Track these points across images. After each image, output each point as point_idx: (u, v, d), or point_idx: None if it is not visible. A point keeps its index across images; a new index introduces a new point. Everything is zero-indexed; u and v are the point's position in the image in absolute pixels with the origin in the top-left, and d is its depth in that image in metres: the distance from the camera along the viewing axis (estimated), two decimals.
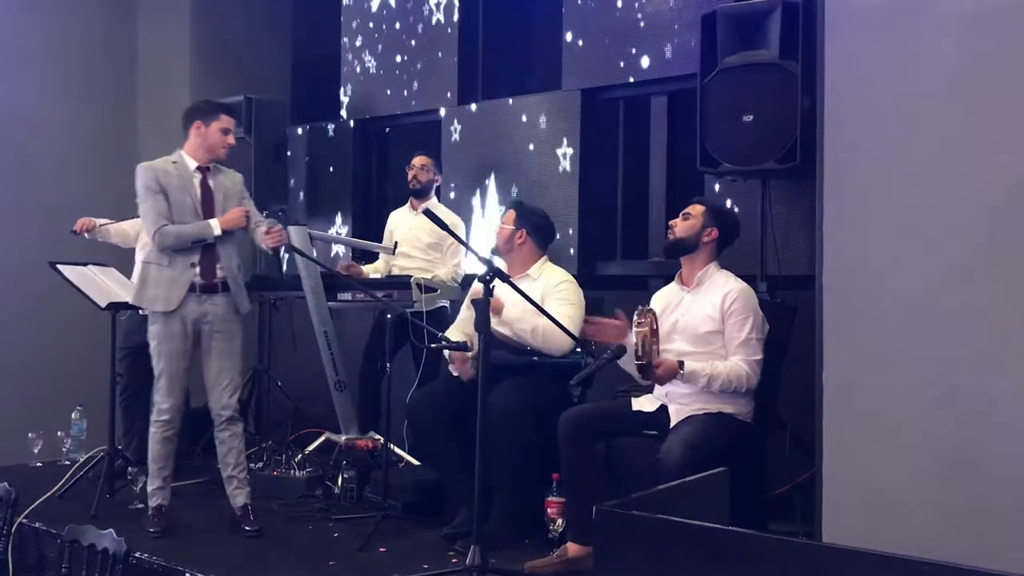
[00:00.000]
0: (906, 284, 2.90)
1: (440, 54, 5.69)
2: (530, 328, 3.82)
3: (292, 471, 4.74)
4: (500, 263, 4.09)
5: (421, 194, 5.15)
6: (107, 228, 4.83)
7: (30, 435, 5.35)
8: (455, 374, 4.04)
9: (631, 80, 4.87)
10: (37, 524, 4.14)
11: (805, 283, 3.54)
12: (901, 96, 2.93)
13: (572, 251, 4.91)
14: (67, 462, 5.21)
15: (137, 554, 3.60)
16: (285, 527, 4.19)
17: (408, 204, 5.24)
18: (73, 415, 5.42)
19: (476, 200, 5.45)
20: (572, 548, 3.51)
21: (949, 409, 2.80)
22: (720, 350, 3.51)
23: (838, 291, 3.04)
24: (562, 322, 3.58)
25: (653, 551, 1.97)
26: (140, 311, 4.20)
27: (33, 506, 4.24)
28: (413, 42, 5.85)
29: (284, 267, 6.09)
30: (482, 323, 3.29)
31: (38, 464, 5.33)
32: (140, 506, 4.27)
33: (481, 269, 3.44)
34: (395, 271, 5.06)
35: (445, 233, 3.85)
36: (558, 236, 4.41)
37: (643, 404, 3.65)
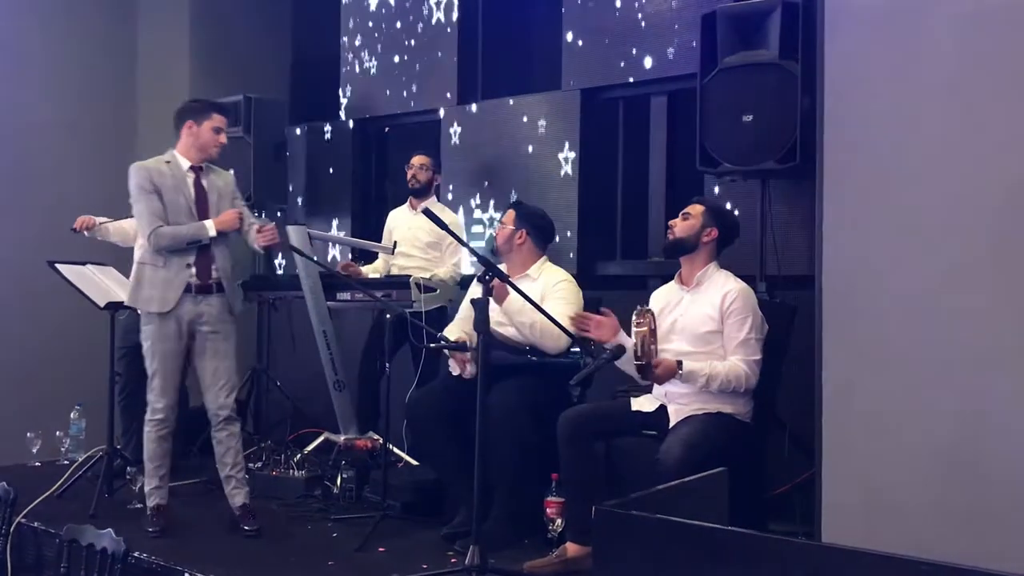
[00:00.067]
0: (906, 284, 2.89)
1: (440, 54, 5.69)
2: (529, 322, 3.81)
3: (291, 471, 4.74)
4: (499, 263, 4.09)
5: (420, 194, 5.14)
6: (106, 227, 4.82)
7: (29, 435, 5.35)
8: (455, 373, 4.04)
9: (631, 80, 4.87)
10: (36, 524, 4.14)
11: (805, 283, 3.54)
12: (901, 96, 2.93)
13: (572, 255, 4.90)
14: (66, 462, 5.20)
15: (136, 554, 3.59)
16: (284, 527, 4.18)
17: (407, 203, 5.24)
18: (72, 415, 5.42)
19: (475, 200, 5.44)
20: (571, 548, 3.50)
21: (949, 409, 2.80)
22: (719, 350, 3.51)
23: (838, 291, 3.04)
24: (561, 319, 3.58)
25: (652, 551, 1.97)
26: (138, 310, 4.20)
27: (32, 506, 4.23)
28: (412, 42, 5.85)
29: (280, 268, 6.10)
30: (481, 323, 3.29)
31: (37, 464, 5.32)
32: (139, 506, 4.27)
33: (481, 269, 3.44)
34: (394, 270, 5.06)
35: (444, 232, 3.85)
36: (557, 239, 4.41)
37: (642, 404, 3.64)
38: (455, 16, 5.63)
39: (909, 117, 2.91)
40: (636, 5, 4.83)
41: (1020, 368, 2.68)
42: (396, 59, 5.93)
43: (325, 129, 6.31)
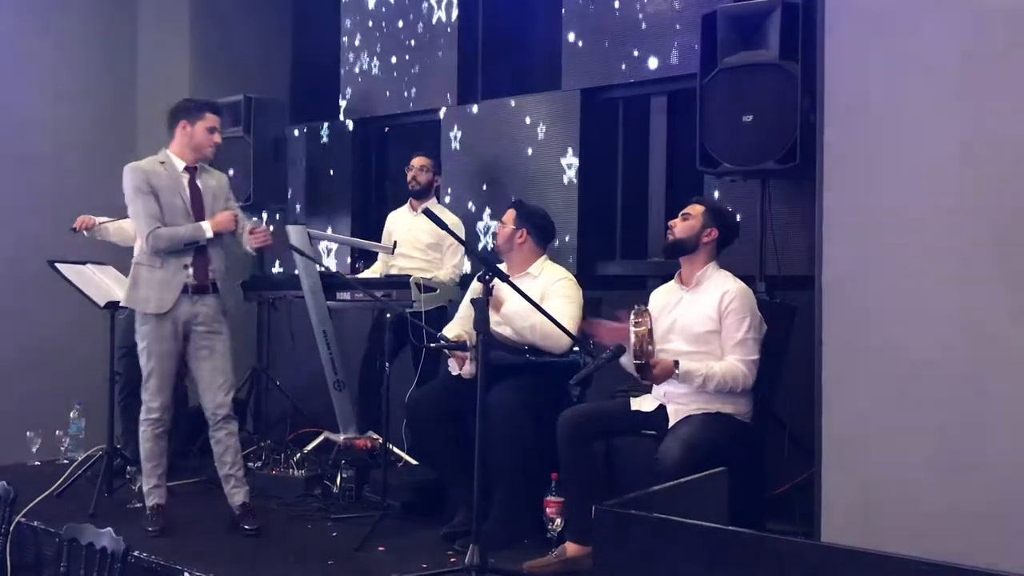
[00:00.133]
0: (905, 284, 2.90)
1: (440, 54, 5.69)
2: (529, 324, 3.82)
3: (291, 470, 4.74)
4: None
5: (421, 195, 5.14)
6: (106, 227, 4.83)
7: (28, 434, 5.35)
8: (454, 373, 4.04)
9: (631, 80, 4.87)
10: (35, 523, 4.14)
11: (804, 283, 3.54)
12: (901, 96, 2.93)
13: (571, 259, 4.89)
14: (65, 461, 5.20)
15: (135, 553, 3.59)
16: (284, 526, 4.18)
17: (407, 205, 5.24)
18: (71, 414, 5.42)
19: (475, 201, 5.44)
20: (571, 548, 3.51)
21: (948, 409, 2.80)
22: (717, 350, 3.51)
23: (837, 291, 3.04)
24: (562, 317, 3.59)
25: (652, 551, 1.97)
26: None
27: (32, 505, 4.24)
28: (412, 42, 5.85)
29: (278, 266, 6.10)
30: (481, 322, 3.29)
31: (36, 463, 5.32)
32: (138, 505, 4.27)
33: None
34: (394, 271, 5.06)
35: (445, 233, 3.85)
36: (556, 242, 4.41)
37: (642, 404, 3.65)
38: (455, 16, 5.62)
39: (909, 117, 2.91)
40: (637, 6, 4.83)
41: (1020, 368, 2.68)
42: (396, 59, 5.93)
43: (325, 129, 6.31)
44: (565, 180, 5.01)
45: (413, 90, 5.85)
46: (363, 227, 6.11)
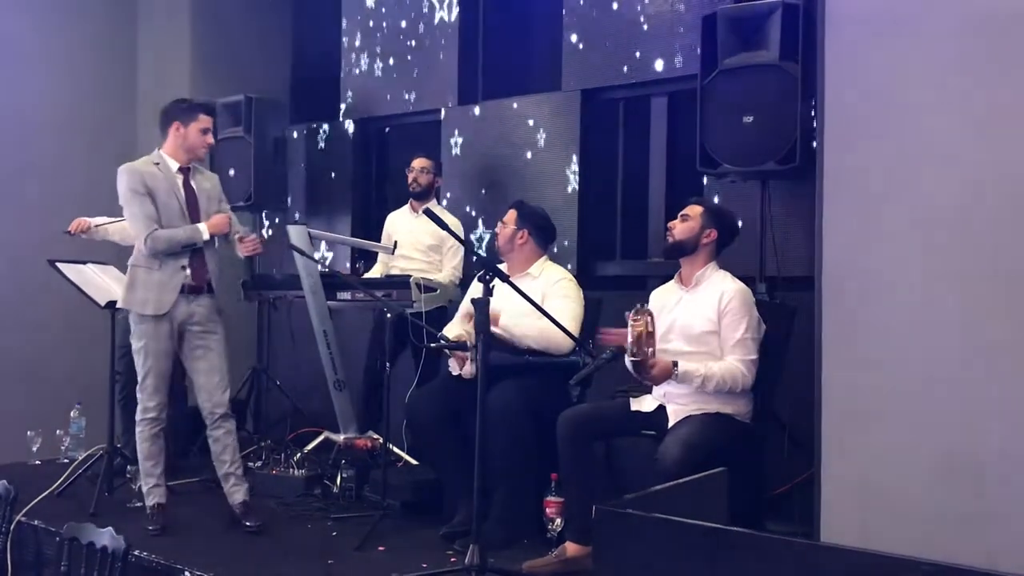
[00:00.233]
0: (905, 285, 2.90)
1: (440, 54, 5.69)
2: (530, 333, 3.83)
3: (291, 470, 4.74)
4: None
5: (421, 196, 5.14)
6: (105, 228, 4.82)
7: (29, 433, 5.35)
8: (455, 373, 4.05)
9: (631, 81, 4.88)
10: (36, 522, 4.14)
11: (804, 284, 3.55)
12: (901, 98, 2.94)
13: (571, 263, 4.90)
14: (66, 460, 5.20)
15: (136, 552, 3.60)
16: (284, 526, 4.19)
17: (408, 206, 5.24)
18: (72, 413, 5.43)
19: (474, 205, 5.44)
20: (571, 548, 3.51)
21: (947, 410, 2.80)
22: (716, 350, 3.51)
23: (837, 292, 3.05)
24: (563, 316, 3.59)
25: (652, 551, 1.97)
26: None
27: (32, 504, 4.24)
28: (413, 42, 5.85)
29: (278, 266, 6.10)
30: (482, 323, 3.30)
31: (37, 462, 5.33)
32: (139, 504, 4.27)
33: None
34: (395, 272, 5.06)
35: (446, 235, 3.85)
36: (555, 249, 4.41)
37: (642, 404, 3.65)
38: (456, 16, 5.63)
39: (909, 119, 2.92)
40: (638, 7, 4.84)
41: (1019, 369, 2.69)
42: (397, 59, 5.93)
43: (325, 129, 6.31)
44: (569, 190, 5.01)
45: (413, 91, 5.85)
46: (363, 228, 6.11)
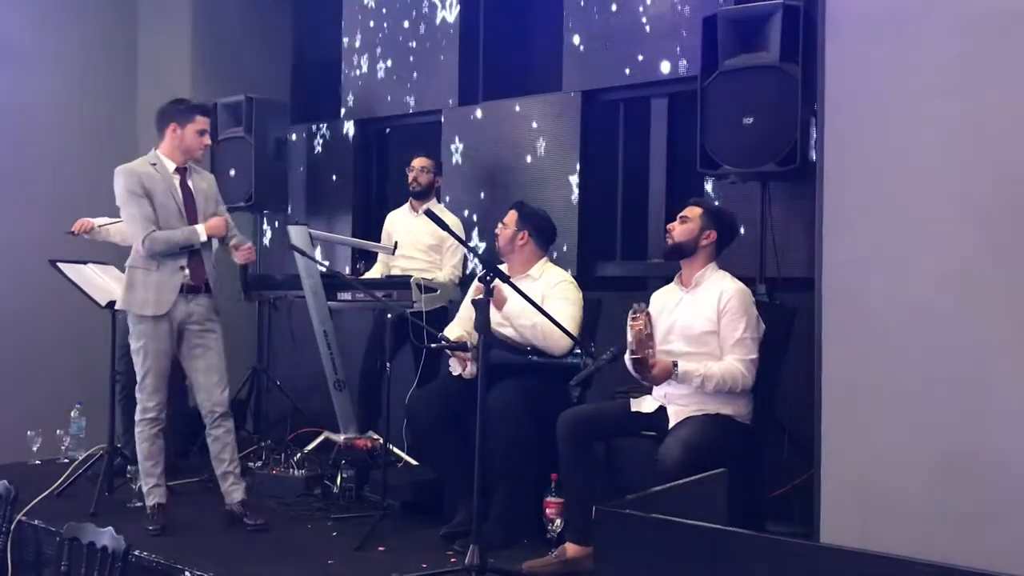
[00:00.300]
0: (905, 286, 2.90)
1: (441, 55, 5.69)
2: (530, 324, 3.83)
3: (291, 470, 4.74)
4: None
5: (421, 196, 5.14)
6: (107, 228, 4.83)
7: (29, 433, 5.36)
8: (455, 373, 4.05)
9: (632, 82, 4.88)
10: (36, 522, 4.15)
11: (804, 285, 3.55)
12: (901, 99, 2.94)
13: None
14: (66, 460, 5.21)
15: (136, 552, 3.60)
16: (284, 526, 4.19)
17: (407, 205, 5.24)
18: (72, 413, 5.43)
19: (473, 209, 5.44)
20: (570, 548, 3.51)
21: (947, 410, 2.81)
22: (716, 350, 3.52)
23: (837, 293, 3.05)
24: (562, 318, 3.59)
25: (652, 551, 1.98)
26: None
27: (32, 504, 4.25)
28: (414, 43, 5.85)
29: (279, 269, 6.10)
30: (482, 324, 3.30)
31: (37, 462, 5.33)
32: (139, 504, 4.28)
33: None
34: (395, 272, 5.07)
35: (446, 234, 3.86)
36: (555, 254, 4.41)
37: (642, 405, 3.65)
38: (456, 17, 5.63)
39: (909, 120, 2.92)
40: (640, 9, 4.84)
41: (1019, 369, 2.69)
42: (397, 60, 5.93)
43: (326, 130, 6.31)
44: (569, 190, 5.00)
45: (414, 91, 5.85)
46: (364, 228, 6.11)
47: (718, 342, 3.51)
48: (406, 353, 4.71)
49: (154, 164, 4.07)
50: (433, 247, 5.03)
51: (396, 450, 4.79)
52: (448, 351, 4.03)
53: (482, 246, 5.27)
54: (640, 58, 4.83)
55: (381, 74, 6.03)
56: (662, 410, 3.57)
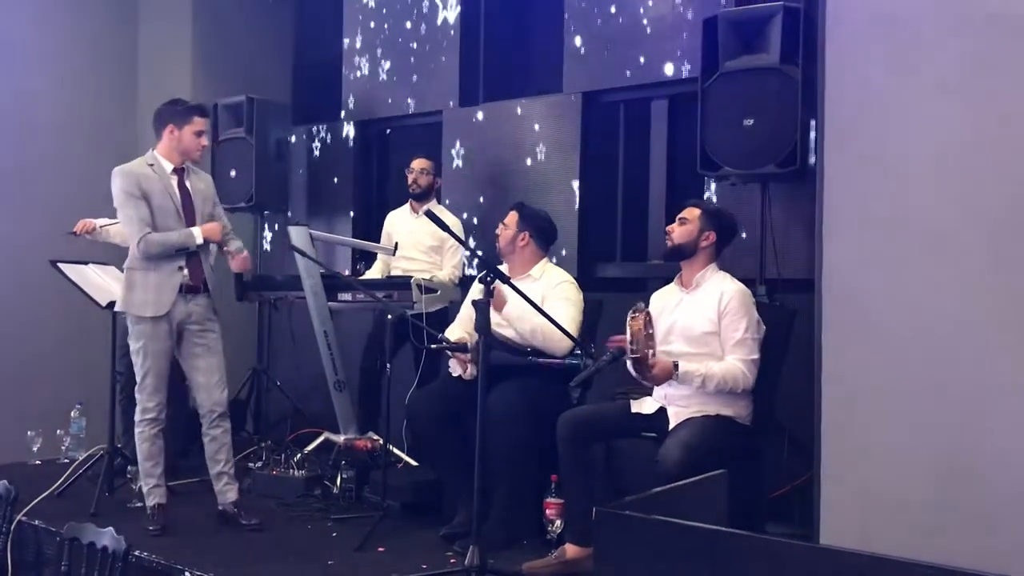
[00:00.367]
0: (905, 287, 2.91)
1: (442, 57, 5.69)
2: (530, 327, 3.83)
3: (291, 471, 4.75)
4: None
5: (421, 198, 5.14)
6: (107, 229, 4.83)
7: (29, 433, 5.36)
8: (455, 374, 4.05)
9: (632, 83, 4.88)
10: (36, 522, 4.15)
11: (804, 286, 3.56)
12: (901, 101, 2.94)
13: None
14: (66, 460, 5.21)
15: (136, 552, 3.61)
16: (283, 526, 4.19)
17: (408, 206, 5.24)
18: (72, 413, 5.43)
19: (475, 209, 5.44)
20: (570, 549, 3.52)
21: (947, 412, 2.81)
22: (717, 351, 3.52)
23: (837, 294, 3.05)
24: (562, 319, 3.59)
25: (652, 553, 1.98)
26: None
27: (33, 504, 4.25)
28: (415, 44, 5.85)
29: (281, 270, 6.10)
30: (482, 324, 3.31)
31: (37, 462, 5.33)
32: (139, 504, 4.28)
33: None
34: (397, 272, 5.07)
35: (446, 235, 3.86)
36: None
37: (642, 406, 3.66)
38: (457, 18, 5.63)
39: (909, 122, 2.93)
40: (641, 10, 4.84)
41: (1019, 371, 2.69)
42: (398, 61, 5.94)
43: (326, 131, 6.31)
44: (570, 191, 5.01)
45: (415, 92, 5.85)
46: (364, 229, 6.11)
47: (719, 343, 3.52)
48: (406, 354, 4.71)
49: (152, 165, 4.07)
50: (434, 248, 5.04)
51: (396, 451, 4.80)
52: (448, 352, 4.03)
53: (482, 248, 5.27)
54: (641, 60, 4.83)
55: (382, 75, 6.03)
56: (662, 411, 3.57)
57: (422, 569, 3.54)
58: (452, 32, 5.65)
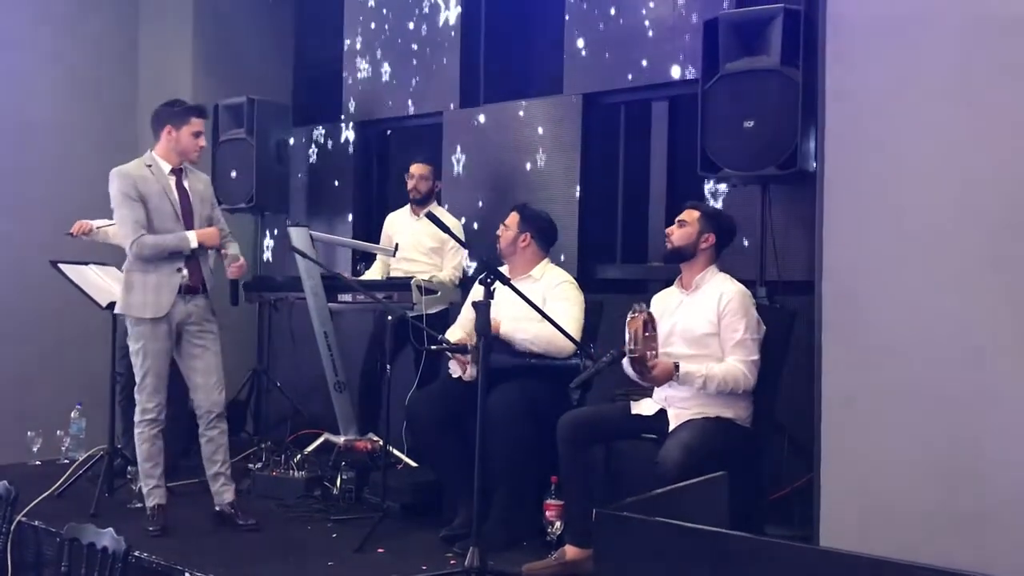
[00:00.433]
0: (905, 289, 2.91)
1: (443, 58, 5.69)
2: (530, 336, 3.84)
3: (291, 472, 4.75)
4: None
5: (422, 203, 5.14)
6: (105, 230, 4.83)
7: (29, 434, 5.36)
8: (455, 375, 4.05)
9: (633, 85, 4.88)
10: (36, 522, 4.15)
11: (804, 288, 3.56)
12: (902, 103, 2.94)
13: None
14: (66, 461, 5.21)
15: (136, 553, 3.61)
16: (283, 527, 4.19)
17: (408, 208, 5.24)
18: (72, 414, 5.43)
19: (476, 207, 5.44)
20: (570, 551, 3.52)
21: (947, 414, 2.81)
22: (717, 352, 3.52)
23: (837, 296, 3.05)
24: (563, 319, 3.59)
25: (652, 554, 1.98)
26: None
27: (32, 504, 4.25)
28: (415, 45, 5.85)
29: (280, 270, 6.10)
30: (483, 326, 3.31)
31: (37, 463, 5.34)
32: (139, 505, 4.28)
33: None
34: (398, 274, 5.07)
35: (447, 237, 3.86)
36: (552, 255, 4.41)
37: (642, 408, 3.66)
38: (458, 20, 5.63)
39: (910, 124, 2.93)
40: (643, 12, 4.84)
41: (1019, 372, 2.69)
42: (399, 62, 5.94)
43: (327, 132, 6.32)
44: (570, 193, 5.01)
45: (415, 94, 5.85)
46: (365, 230, 6.11)
47: (719, 344, 3.52)
48: (406, 355, 4.72)
49: (149, 166, 4.07)
50: (434, 250, 5.04)
51: (396, 452, 4.80)
52: (448, 353, 4.03)
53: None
54: (642, 62, 4.83)
55: (383, 76, 6.03)
56: (662, 413, 3.57)
57: (422, 570, 3.54)
58: (453, 33, 5.65)
